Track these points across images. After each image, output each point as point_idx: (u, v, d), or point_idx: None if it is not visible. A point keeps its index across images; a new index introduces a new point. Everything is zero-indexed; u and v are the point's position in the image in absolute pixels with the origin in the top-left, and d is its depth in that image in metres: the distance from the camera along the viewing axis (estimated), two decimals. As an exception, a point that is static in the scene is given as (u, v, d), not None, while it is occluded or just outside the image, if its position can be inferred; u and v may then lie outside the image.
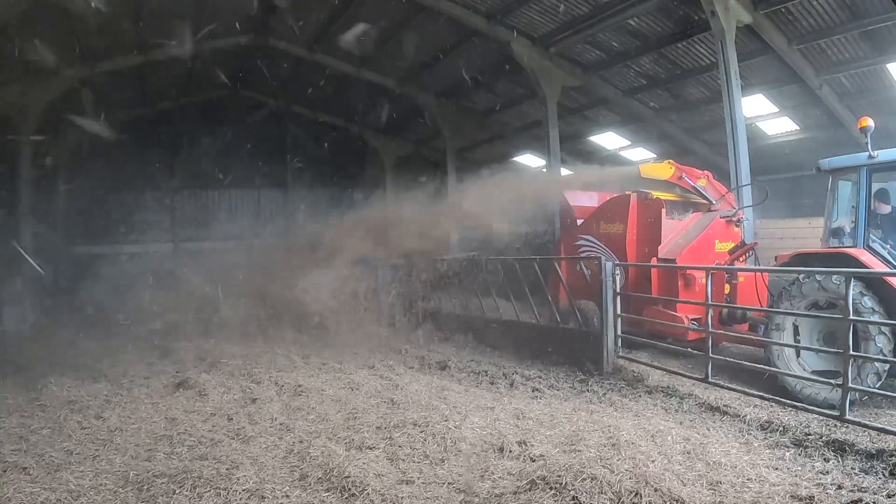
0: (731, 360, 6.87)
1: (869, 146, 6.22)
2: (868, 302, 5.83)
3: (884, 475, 4.35)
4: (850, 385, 5.21)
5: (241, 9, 13.98)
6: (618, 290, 8.09)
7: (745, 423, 5.67)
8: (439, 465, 4.58)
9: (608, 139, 17.35)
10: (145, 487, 4.14)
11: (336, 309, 13.20)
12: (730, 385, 6.52)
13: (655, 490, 3.66)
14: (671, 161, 9.98)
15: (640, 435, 4.97)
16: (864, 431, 5.12)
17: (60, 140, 16.79)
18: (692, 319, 8.11)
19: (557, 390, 7.26)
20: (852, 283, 5.24)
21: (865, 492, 4.02)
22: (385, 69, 16.94)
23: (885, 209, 6.55)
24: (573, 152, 17.81)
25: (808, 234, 10.62)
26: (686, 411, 6.16)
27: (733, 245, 8.65)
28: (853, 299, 5.31)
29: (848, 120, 11.96)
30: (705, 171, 9.68)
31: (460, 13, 13.09)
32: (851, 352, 5.26)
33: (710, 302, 6.83)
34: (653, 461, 4.31)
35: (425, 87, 17.86)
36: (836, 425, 5.33)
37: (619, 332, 7.98)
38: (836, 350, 5.66)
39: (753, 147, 10.82)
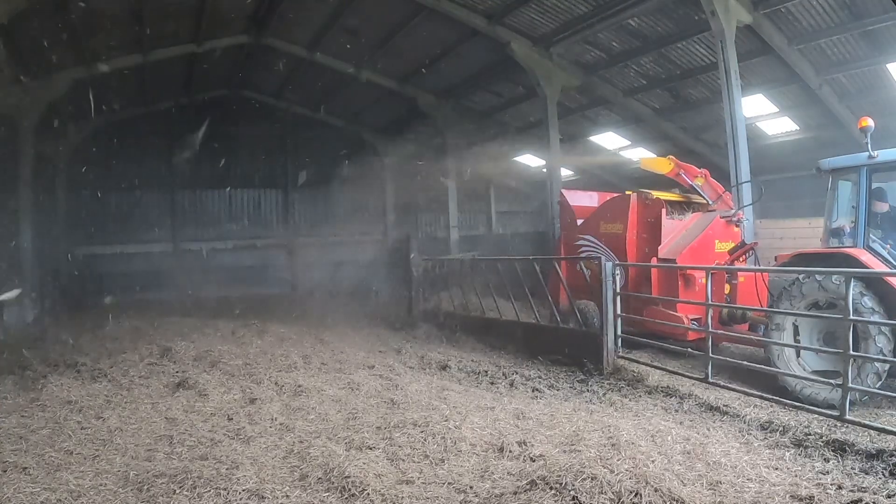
0: (731, 360, 6.87)
1: (869, 146, 6.23)
2: (868, 302, 5.84)
3: (884, 475, 4.35)
4: (850, 385, 5.22)
5: (241, 8, 13.98)
6: (618, 290, 8.09)
7: (745, 423, 5.67)
8: (439, 465, 4.57)
9: (608, 139, 17.35)
10: (145, 487, 4.13)
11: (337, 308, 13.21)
12: (730, 385, 6.52)
13: (655, 490, 3.66)
14: (671, 157, 10.01)
15: (640, 435, 4.97)
16: (864, 431, 5.13)
17: (61, 140, 16.80)
18: (692, 319, 8.12)
19: (557, 390, 7.26)
20: (852, 283, 5.25)
21: (865, 492, 4.02)
22: (385, 69, 16.93)
23: (883, 208, 6.55)
24: (573, 152, 17.82)
25: (808, 234, 10.63)
26: (686, 411, 6.16)
27: (733, 245, 8.65)
28: (853, 299, 5.31)
29: (848, 120, 11.95)
30: (703, 169, 9.70)
31: (460, 13, 13.07)
32: (851, 352, 5.27)
33: (710, 302, 6.83)
34: (653, 461, 4.31)
35: (425, 87, 17.85)
36: (836, 425, 5.34)
37: (619, 332, 7.98)
38: (836, 350, 5.66)
39: (753, 147, 10.81)
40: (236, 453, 4.69)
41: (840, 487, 4.14)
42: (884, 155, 6.20)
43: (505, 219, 23.58)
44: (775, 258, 7.15)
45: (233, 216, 20.26)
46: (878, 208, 6.51)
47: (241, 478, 4.15)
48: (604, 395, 6.96)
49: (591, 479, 3.78)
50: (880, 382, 5.85)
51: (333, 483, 4.15)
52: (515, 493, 3.88)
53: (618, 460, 4.22)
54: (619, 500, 3.62)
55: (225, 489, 4.00)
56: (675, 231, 9.12)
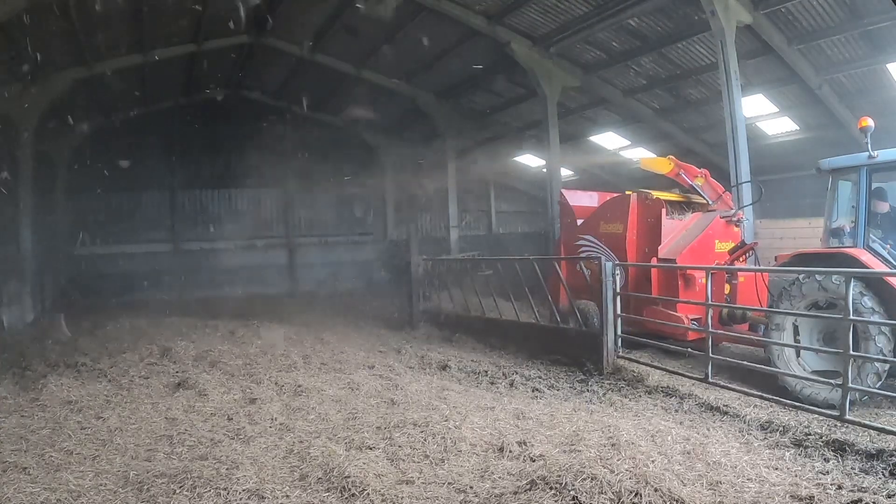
0: (731, 360, 6.87)
1: (869, 146, 6.22)
2: (868, 302, 5.83)
3: (884, 475, 4.35)
4: (850, 385, 5.21)
5: (241, 8, 13.97)
6: (618, 290, 8.09)
7: (745, 423, 5.67)
8: (439, 465, 4.57)
9: (608, 139, 17.36)
10: (145, 487, 4.13)
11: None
12: (730, 385, 6.52)
13: (655, 490, 3.66)
14: (671, 157, 10.01)
15: (640, 435, 4.97)
16: (864, 431, 5.12)
17: (61, 140, 16.80)
18: (692, 319, 8.11)
19: (557, 390, 7.25)
20: (852, 283, 5.24)
21: (865, 492, 4.02)
22: (385, 69, 16.94)
23: (883, 208, 6.55)
24: (573, 152, 17.84)
25: (808, 234, 10.63)
26: (686, 411, 6.16)
27: (733, 245, 8.65)
28: (853, 299, 5.31)
29: (848, 120, 11.95)
30: (703, 170, 9.70)
31: (460, 13, 13.08)
32: (851, 352, 5.27)
33: (710, 302, 6.83)
34: (653, 461, 4.31)
35: (425, 87, 17.86)
36: (836, 425, 5.33)
37: (619, 332, 7.98)
38: (836, 350, 5.66)
39: (753, 147, 10.81)
40: (236, 453, 4.68)
41: (840, 487, 4.14)
42: (884, 155, 6.20)
43: (505, 219, 23.61)
44: (775, 258, 7.14)
45: (233, 216, 20.27)
46: (878, 208, 6.51)
47: (241, 478, 4.15)
48: (604, 395, 6.96)
49: (591, 479, 3.78)
50: (880, 382, 5.84)
51: (333, 483, 4.15)
52: (515, 493, 3.88)
53: (618, 460, 4.22)
54: (619, 500, 3.62)
55: (225, 489, 4.00)
56: (675, 231, 9.11)
